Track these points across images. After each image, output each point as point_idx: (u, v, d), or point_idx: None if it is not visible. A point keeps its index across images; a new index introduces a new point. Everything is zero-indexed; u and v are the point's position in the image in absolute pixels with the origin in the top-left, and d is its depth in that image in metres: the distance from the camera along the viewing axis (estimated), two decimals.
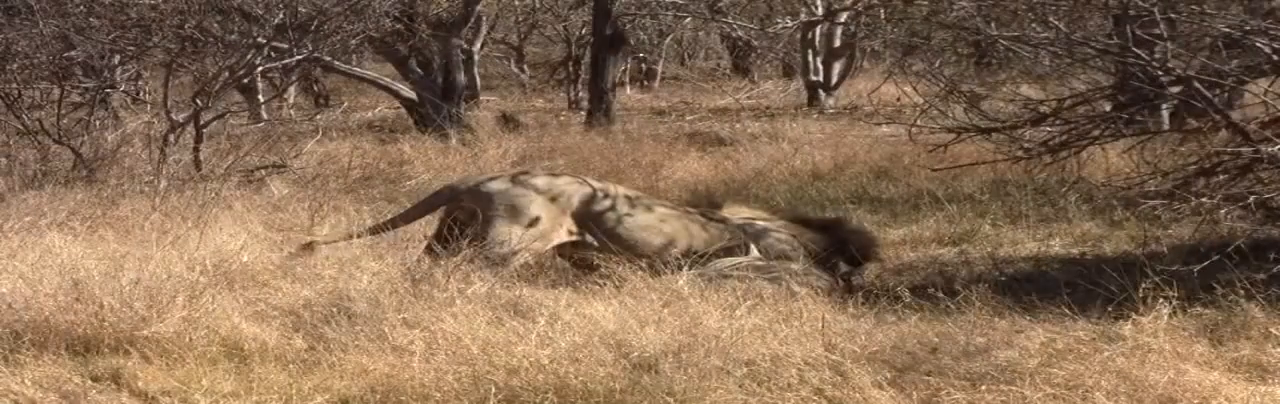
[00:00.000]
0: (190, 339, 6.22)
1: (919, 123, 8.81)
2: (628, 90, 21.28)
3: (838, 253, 8.03)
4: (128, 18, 12.98)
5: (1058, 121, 8.18)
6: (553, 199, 7.81)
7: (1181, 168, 7.76)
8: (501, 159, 12.71)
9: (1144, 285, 6.16)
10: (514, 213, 7.74)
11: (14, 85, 11.73)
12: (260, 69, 12.94)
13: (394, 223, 8.09)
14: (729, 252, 7.83)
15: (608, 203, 7.93)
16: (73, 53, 12.89)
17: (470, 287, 6.86)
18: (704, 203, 8.32)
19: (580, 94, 19.43)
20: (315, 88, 20.45)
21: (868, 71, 21.35)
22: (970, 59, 17.95)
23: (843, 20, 19.93)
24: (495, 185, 7.87)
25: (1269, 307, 6.20)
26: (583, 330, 6.11)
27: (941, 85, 9.01)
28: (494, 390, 5.61)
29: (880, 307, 6.76)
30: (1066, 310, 6.36)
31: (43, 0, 12.74)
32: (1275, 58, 7.74)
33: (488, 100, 19.96)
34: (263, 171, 11.09)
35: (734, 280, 7.31)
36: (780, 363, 5.73)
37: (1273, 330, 5.92)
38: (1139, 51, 7.68)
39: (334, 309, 6.54)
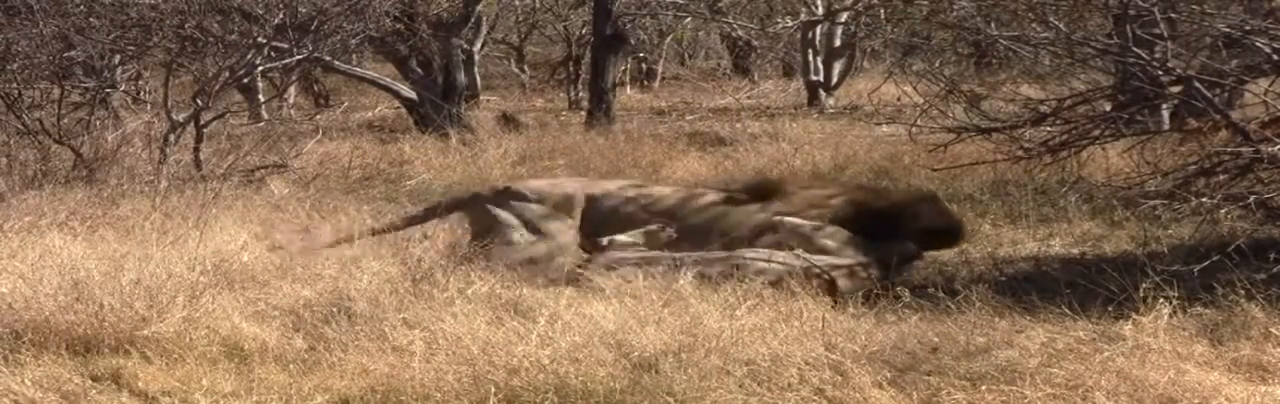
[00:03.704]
0: (190, 339, 6.22)
1: (919, 123, 8.81)
2: (628, 90, 21.28)
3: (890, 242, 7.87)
4: (128, 18, 12.96)
5: (1058, 121, 8.19)
6: (556, 205, 7.91)
7: (1181, 168, 7.76)
8: (502, 159, 12.71)
9: (1144, 285, 6.16)
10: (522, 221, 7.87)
11: (14, 85, 11.73)
12: (260, 69, 12.93)
13: (394, 226, 8.19)
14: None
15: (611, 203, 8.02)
16: (73, 53, 12.87)
17: (470, 286, 6.86)
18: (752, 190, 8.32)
19: (580, 94, 19.43)
20: (315, 88, 20.43)
21: (868, 71, 21.34)
22: (970, 59, 17.98)
23: (843, 20, 19.92)
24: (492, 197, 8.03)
25: (1269, 307, 6.20)
26: (583, 330, 6.11)
27: (941, 85, 9.02)
28: (494, 390, 5.61)
29: (880, 307, 6.77)
30: (1066, 310, 6.36)
31: (43, 0, 12.73)
32: (1275, 58, 7.75)
33: (488, 100, 19.96)
34: (263, 171, 11.09)
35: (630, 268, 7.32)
36: (780, 363, 5.73)
37: (1273, 330, 5.92)
38: (1139, 51, 7.69)
39: (334, 309, 6.55)
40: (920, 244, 7.94)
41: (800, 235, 7.76)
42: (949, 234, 8.08)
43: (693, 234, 7.95)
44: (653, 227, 8.07)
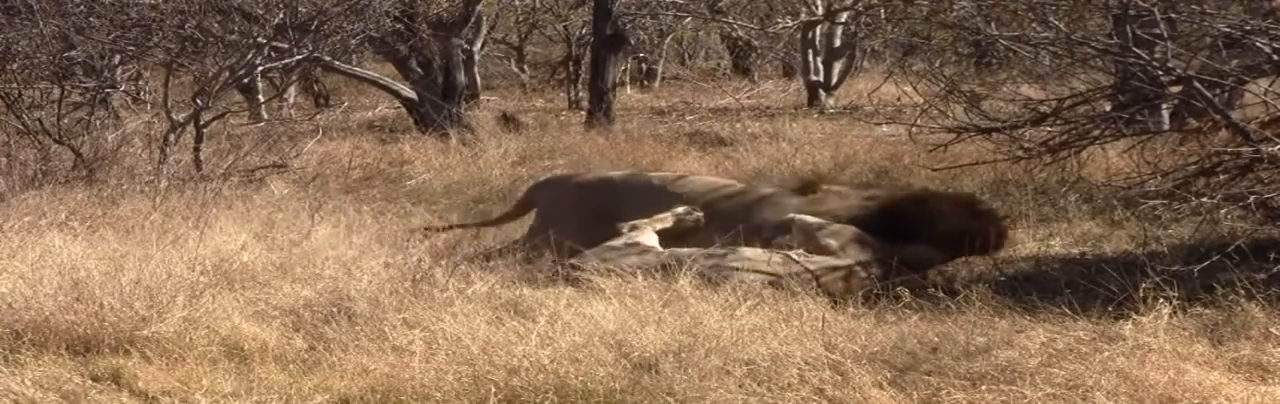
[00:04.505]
0: (190, 339, 6.22)
1: (919, 123, 8.81)
2: (628, 90, 21.27)
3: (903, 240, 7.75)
4: (128, 18, 12.97)
5: (1058, 121, 8.20)
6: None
7: (1181, 168, 7.76)
8: (502, 159, 12.71)
9: (1144, 285, 6.17)
10: None
11: (14, 85, 11.73)
12: (260, 69, 12.93)
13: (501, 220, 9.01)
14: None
15: None
16: (73, 53, 12.88)
17: (470, 286, 6.86)
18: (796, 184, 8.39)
19: (580, 94, 19.42)
20: (315, 88, 20.43)
21: (868, 71, 21.34)
22: (970, 59, 17.97)
23: (843, 20, 19.92)
24: None
25: (1269, 307, 6.20)
26: (583, 330, 6.11)
27: (941, 85, 9.02)
28: (494, 390, 5.61)
29: (880, 307, 6.77)
30: (1066, 310, 6.36)
31: (43, 0, 12.73)
32: (1275, 58, 7.75)
33: (488, 100, 19.96)
34: (263, 171, 11.09)
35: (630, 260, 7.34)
36: (780, 363, 5.73)
37: (1273, 330, 5.92)
38: (1139, 51, 7.69)
39: (334, 309, 6.55)
40: (947, 248, 7.83)
41: (806, 233, 7.74)
42: (980, 238, 7.91)
43: (721, 223, 7.95)
44: (680, 209, 8.07)
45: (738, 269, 7.26)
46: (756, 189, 8.39)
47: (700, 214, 8.06)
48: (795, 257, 7.39)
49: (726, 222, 7.93)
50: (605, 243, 7.74)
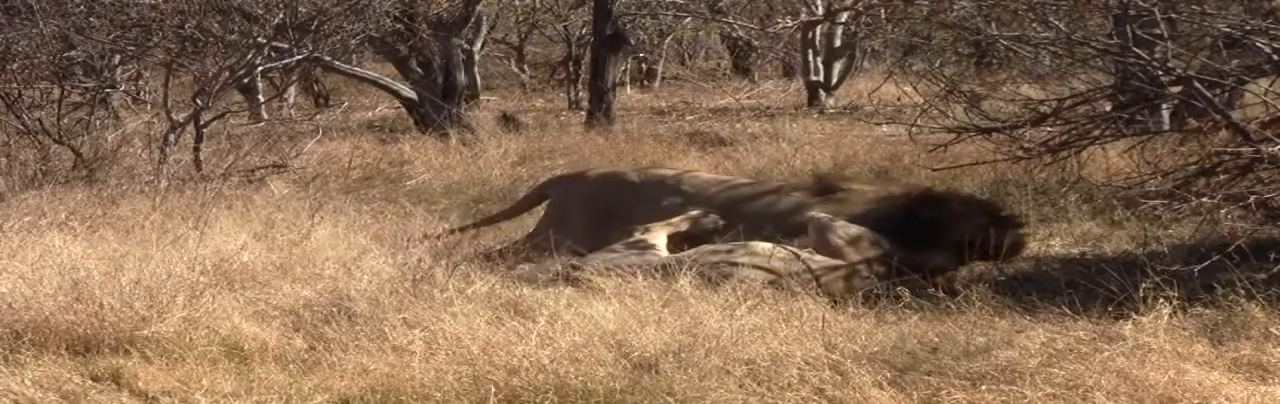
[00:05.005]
0: (190, 339, 6.22)
1: (919, 123, 8.81)
2: (628, 90, 21.26)
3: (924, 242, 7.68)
4: (128, 18, 12.97)
5: (1058, 121, 8.20)
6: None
7: (1181, 168, 7.76)
8: (502, 159, 12.71)
9: (1144, 285, 6.17)
10: None
11: (14, 85, 11.73)
12: (260, 69, 12.93)
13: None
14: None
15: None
16: (73, 53, 12.87)
17: (470, 286, 6.86)
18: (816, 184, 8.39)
19: (580, 94, 19.42)
20: (315, 88, 20.43)
21: (868, 71, 21.33)
22: (970, 59, 17.96)
23: (843, 20, 19.91)
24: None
25: (1269, 307, 6.20)
26: (583, 330, 6.11)
27: (941, 85, 9.02)
28: (494, 390, 5.61)
29: (880, 307, 6.77)
30: (1066, 310, 6.36)
31: (43, 0, 12.73)
32: (1275, 58, 7.75)
33: (488, 100, 19.96)
34: (263, 171, 11.09)
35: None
36: (780, 363, 5.73)
37: (1273, 330, 5.92)
38: (1139, 51, 7.69)
39: (334, 309, 6.55)
40: (960, 255, 7.74)
41: (820, 231, 7.74)
42: (995, 246, 7.85)
43: (739, 223, 7.91)
44: (695, 212, 8.05)
45: (739, 265, 7.25)
46: (774, 187, 8.38)
47: (716, 216, 8.04)
48: (800, 254, 7.39)
49: (743, 219, 7.92)
50: (612, 244, 7.75)
